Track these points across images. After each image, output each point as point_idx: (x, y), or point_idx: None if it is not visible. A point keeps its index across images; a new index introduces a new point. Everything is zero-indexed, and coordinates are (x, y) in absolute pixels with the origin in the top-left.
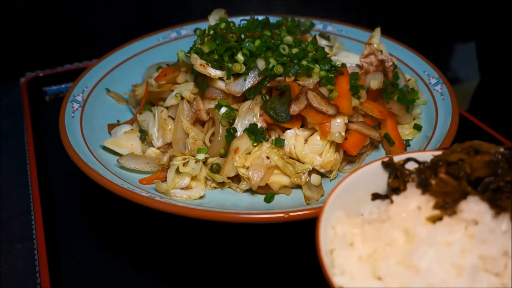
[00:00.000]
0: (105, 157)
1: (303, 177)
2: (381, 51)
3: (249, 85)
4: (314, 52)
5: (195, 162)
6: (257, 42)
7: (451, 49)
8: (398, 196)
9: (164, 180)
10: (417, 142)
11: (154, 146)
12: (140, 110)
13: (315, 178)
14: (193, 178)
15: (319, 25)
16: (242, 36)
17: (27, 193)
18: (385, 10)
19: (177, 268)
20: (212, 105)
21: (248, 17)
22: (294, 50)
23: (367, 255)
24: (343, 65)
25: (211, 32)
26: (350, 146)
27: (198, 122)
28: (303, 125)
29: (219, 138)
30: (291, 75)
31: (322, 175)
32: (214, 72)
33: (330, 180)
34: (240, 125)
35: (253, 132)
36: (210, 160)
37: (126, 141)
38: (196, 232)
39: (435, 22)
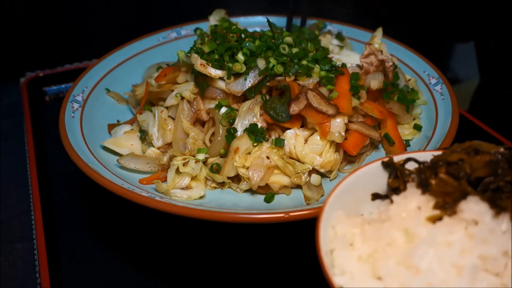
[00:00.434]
0: (105, 157)
1: (303, 177)
2: (381, 51)
3: (249, 85)
4: (314, 52)
5: (195, 162)
6: (257, 42)
7: (451, 49)
8: (398, 196)
9: (164, 180)
10: (417, 142)
11: (154, 146)
12: (140, 110)
13: (315, 178)
14: (193, 178)
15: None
16: (243, 35)
17: (27, 193)
18: (385, 10)
19: (177, 268)
20: (212, 105)
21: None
22: (294, 50)
23: (367, 255)
24: (344, 65)
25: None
26: (350, 146)
27: (198, 122)
28: (303, 125)
29: (219, 138)
30: (291, 74)
31: (322, 175)
32: (214, 72)
33: (330, 180)
34: (240, 125)
35: (253, 132)
36: (210, 160)
37: (126, 141)
38: (196, 232)
39: (435, 22)
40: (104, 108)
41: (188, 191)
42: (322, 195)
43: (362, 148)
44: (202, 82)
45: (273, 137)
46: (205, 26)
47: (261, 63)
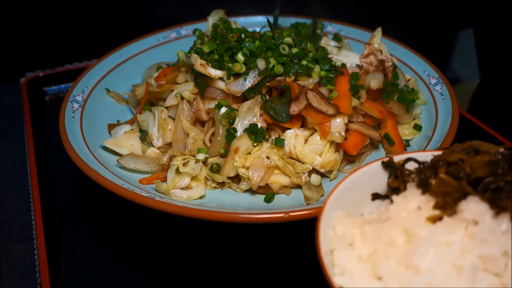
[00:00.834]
0: (105, 157)
1: (303, 177)
2: (381, 51)
3: (249, 85)
4: (314, 52)
5: (195, 162)
6: (257, 42)
7: (451, 49)
8: (398, 196)
9: (164, 180)
10: (417, 142)
11: (154, 146)
12: (140, 110)
13: (315, 178)
14: (193, 178)
15: None
16: (242, 36)
17: (27, 193)
18: (385, 10)
19: (177, 268)
20: (212, 105)
21: (248, 17)
22: (294, 50)
23: (367, 255)
24: (343, 65)
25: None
26: (350, 146)
27: (198, 122)
28: (303, 125)
29: (219, 138)
30: (291, 75)
31: (322, 175)
32: (214, 72)
33: (330, 180)
34: (240, 125)
35: (253, 132)
36: (210, 160)
37: (126, 141)
38: (196, 232)
39: (435, 22)
40: (104, 108)
41: (188, 191)
42: (322, 195)
43: (362, 148)
44: (202, 82)
45: (273, 137)
46: (205, 26)
47: (261, 64)
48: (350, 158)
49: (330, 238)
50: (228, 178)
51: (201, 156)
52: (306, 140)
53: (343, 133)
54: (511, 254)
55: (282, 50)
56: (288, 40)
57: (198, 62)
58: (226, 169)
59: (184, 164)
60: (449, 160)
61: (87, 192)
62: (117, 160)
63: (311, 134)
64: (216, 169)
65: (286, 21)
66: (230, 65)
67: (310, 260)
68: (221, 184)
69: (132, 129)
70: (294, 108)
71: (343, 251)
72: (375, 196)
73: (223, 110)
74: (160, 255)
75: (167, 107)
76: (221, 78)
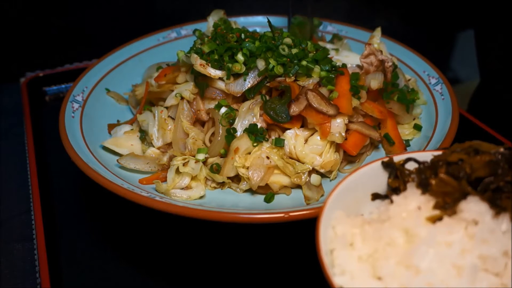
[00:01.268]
0: (105, 157)
1: (303, 177)
2: (381, 51)
3: (249, 85)
4: (314, 52)
5: (195, 162)
6: (257, 43)
7: (451, 49)
8: (398, 196)
9: (164, 180)
10: (417, 142)
11: (154, 146)
12: (140, 110)
13: (315, 178)
14: (193, 178)
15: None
16: (242, 36)
17: (27, 193)
18: (385, 10)
19: (177, 268)
20: (212, 105)
21: (248, 17)
22: (294, 51)
23: (367, 255)
24: (344, 65)
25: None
26: (350, 146)
27: (198, 122)
28: (303, 125)
29: (219, 138)
30: (291, 75)
31: (322, 175)
32: (214, 72)
33: (330, 180)
34: (240, 125)
35: (253, 132)
36: (210, 160)
37: (126, 141)
38: (196, 232)
39: (436, 21)
40: (104, 108)
41: (188, 191)
42: (322, 195)
43: (362, 148)
44: (202, 82)
45: (273, 137)
46: (205, 26)
47: (260, 64)
48: (350, 158)
49: (330, 238)
50: (228, 178)
51: (201, 156)
52: (306, 140)
53: (343, 133)
54: (511, 254)
55: (282, 51)
56: (288, 40)
57: (198, 62)
58: (226, 169)
59: (184, 164)
60: (449, 160)
61: (87, 192)
62: (117, 160)
63: (311, 134)
64: (216, 169)
65: (284, 21)
66: (230, 65)
67: (310, 260)
68: (221, 184)
69: (132, 129)
70: (294, 109)
71: (343, 251)
72: (375, 196)
73: (223, 110)
74: (160, 255)
75: (167, 107)
76: (221, 78)
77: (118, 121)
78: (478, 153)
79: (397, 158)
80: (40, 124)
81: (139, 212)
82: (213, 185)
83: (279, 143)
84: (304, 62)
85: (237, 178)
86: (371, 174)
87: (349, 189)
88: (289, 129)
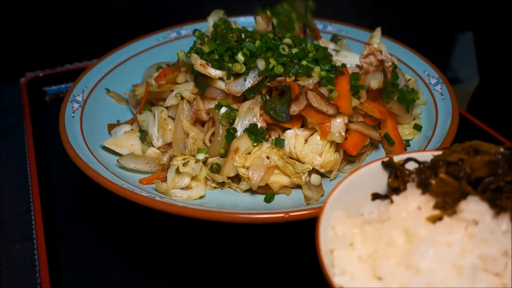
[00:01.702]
0: (105, 157)
1: (303, 177)
2: (381, 51)
3: (249, 85)
4: (314, 52)
5: (195, 162)
6: (257, 42)
7: (451, 49)
8: (398, 196)
9: (164, 180)
10: (417, 142)
11: (154, 146)
12: (140, 110)
13: (315, 178)
14: (193, 178)
15: (319, 25)
16: (243, 36)
17: (27, 193)
18: (385, 10)
19: (177, 268)
20: (212, 105)
21: (248, 17)
22: (294, 50)
23: (367, 255)
24: (343, 65)
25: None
26: (350, 146)
27: (198, 122)
28: (303, 125)
29: (219, 138)
30: (291, 75)
31: (322, 175)
32: (214, 72)
33: (330, 180)
34: (240, 125)
35: (253, 132)
36: (210, 160)
37: (126, 141)
38: (196, 232)
39: (436, 22)
40: (104, 108)
41: (188, 191)
42: (322, 195)
43: (362, 148)
44: (202, 82)
45: (273, 137)
46: (205, 26)
47: (261, 64)
48: (350, 158)
49: (330, 238)
50: (228, 178)
51: (201, 156)
52: (306, 140)
53: (343, 133)
54: (511, 254)
55: (282, 51)
56: (288, 40)
57: (198, 62)
58: (226, 169)
59: (184, 164)
60: (449, 160)
61: (87, 192)
62: (117, 160)
63: (311, 134)
64: (216, 169)
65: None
66: (230, 65)
67: (310, 260)
68: (221, 184)
69: (132, 129)
70: (294, 108)
71: (343, 251)
72: (375, 196)
73: (223, 110)
74: (160, 255)
75: (167, 107)
76: (221, 78)
77: (118, 121)
78: (478, 153)
79: (397, 158)
80: (40, 124)
81: (139, 212)
82: (213, 185)
83: (279, 143)
84: (304, 62)
85: (237, 178)
86: (371, 174)
87: (349, 189)
88: (289, 129)
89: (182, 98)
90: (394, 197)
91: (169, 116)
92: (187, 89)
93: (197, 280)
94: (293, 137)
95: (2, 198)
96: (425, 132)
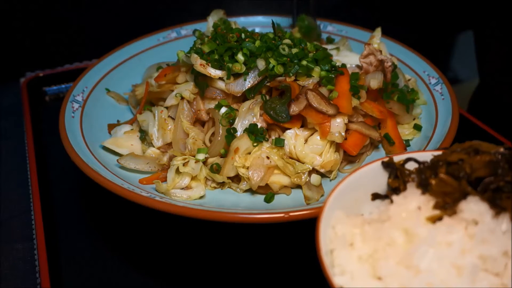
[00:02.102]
0: (105, 157)
1: (303, 177)
2: (381, 51)
3: (249, 85)
4: (314, 52)
5: (195, 162)
6: (257, 43)
7: (451, 49)
8: (398, 196)
9: (164, 180)
10: (417, 142)
11: (154, 146)
12: (140, 110)
13: (315, 178)
14: (193, 178)
15: (319, 25)
16: (243, 36)
17: (27, 193)
18: (385, 10)
19: (177, 268)
20: (212, 105)
21: (248, 17)
22: (294, 50)
23: (367, 255)
24: (343, 65)
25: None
26: (350, 146)
27: (198, 122)
28: (303, 125)
29: (219, 138)
30: (291, 75)
31: (322, 175)
32: (214, 72)
33: (330, 180)
34: (240, 125)
35: (253, 132)
36: (210, 160)
37: (126, 141)
38: (196, 232)
39: (436, 22)
40: (104, 108)
41: (188, 191)
42: (322, 195)
43: (362, 148)
44: (202, 82)
45: (273, 137)
46: (205, 27)
47: (261, 64)
48: (350, 158)
49: (330, 238)
50: (228, 178)
51: (201, 156)
52: (306, 140)
53: (343, 133)
54: (511, 254)
55: (282, 51)
56: (288, 40)
57: (198, 62)
58: (226, 169)
59: (184, 164)
60: (449, 160)
61: (87, 192)
62: (117, 160)
63: (311, 134)
64: (216, 169)
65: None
66: (230, 65)
67: (310, 260)
68: (221, 184)
69: (132, 129)
70: (294, 108)
71: (343, 251)
72: (375, 196)
73: (223, 110)
74: (160, 255)
75: (167, 107)
76: (221, 78)
77: (118, 121)
78: (478, 153)
79: (397, 158)
80: (40, 124)
81: (139, 212)
82: (213, 185)
83: (279, 143)
84: (304, 62)
85: (237, 178)
86: (371, 174)
87: (349, 189)
88: (289, 129)
89: (182, 98)
90: (394, 197)
91: (169, 116)
92: (187, 89)
93: (197, 280)
94: (293, 137)
95: (2, 198)
96: (425, 132)
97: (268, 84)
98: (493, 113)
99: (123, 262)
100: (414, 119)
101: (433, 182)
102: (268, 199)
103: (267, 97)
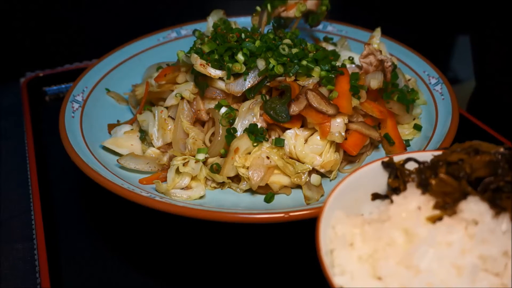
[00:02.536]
0: (105, 157)
1: (303, 177)
2: (380, 51)
3: (249, 85)
4: (314, 52)
5: (195, 162)
6: (257, 42)
7: (451, 49)
8: (398, 196)
9: (164, 180)
10: (417, 142)
11: (154, 146)
12: (140, 110)
13: (315, 178)
14: (193, 178)
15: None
16: (243, 36)
17: (27, 193)
18: (385, 10)
19: (177, 268)
20: (212, 105)
21: (248, 17)
22: (294, 50)
23: (367, 255)
24: (343, 65)
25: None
26: (350, 146)
27: (198, 122)
28: (303, 125)
29: (219, 138)
30: (291, 75)
31: (322, 175)
32: (214, 72)
33: (330, 180)
34: (240, 125)
35: (253, 132)
36: (210, 160)
37: (126, 141)
38: (196, 232)
39: (436, 22)
40: (104, 108)
41: (188, 191)
42: (322, 195)
43: (362, 148)
44: (202, 82)
45: (273, 137)
46: (205, 26)
47: (261, 64)
48: (350, 158)
49: (330, 238)
50: (228, 178)
51: (201, 156)
52: (306, 140)
53: (343, 133)
54: (511, 254)
55: (282, 51)
56: (288, 40)
57: (198, 62)
58: (226, 169)
59: (184, 164)
60: (449, 160)
61: (87, 192)
62: (117, 160)
63: (311, 134)
64: (216, 169)
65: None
66: (230, 65)
67: (310, 260)
68: (221, 184)
69: (132, 129)
70: (294, 108)
71: (343, 251)
72: (375, 196)
73: (223, 110)
74: (160, 255)
75: (167, 107)
76: (221, 78)
77: (118, 121)
78: (478, 153)
79: (397, 158)
80: (40, 124)
81: (139, 212)
82: (213, 185)
83: (279, 143)
84: (304, 62)
85: (237, 178)
86: (371, 174)
87: (349, 189)
88: (289, 129)
89: (182, 98)
90: (394, 197)
91: (169, 116)
92: (187, 89)
93: (197, 280)
94: (293, 137)
95: (2, 198)
96: (425, 132)
97: (268, 84)
98: (493, 113)
99: (123, 262)
100: (414, 119)
101: (433, 182)
102: (268, 199)
103: (267, 97)
